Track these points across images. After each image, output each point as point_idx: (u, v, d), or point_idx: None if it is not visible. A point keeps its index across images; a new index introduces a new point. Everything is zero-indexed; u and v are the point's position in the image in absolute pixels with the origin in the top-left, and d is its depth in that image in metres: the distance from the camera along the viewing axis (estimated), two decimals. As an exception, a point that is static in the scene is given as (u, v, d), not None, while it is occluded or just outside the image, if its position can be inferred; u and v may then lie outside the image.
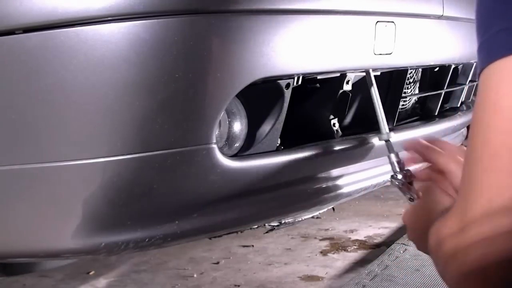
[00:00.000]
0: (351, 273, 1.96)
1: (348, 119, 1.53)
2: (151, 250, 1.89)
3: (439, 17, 1.46)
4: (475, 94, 2.22)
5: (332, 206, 2.07)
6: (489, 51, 0.59)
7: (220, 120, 1.04)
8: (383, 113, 1.28)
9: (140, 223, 1.03)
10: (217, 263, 2.09)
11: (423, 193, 0.90)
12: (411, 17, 1.37)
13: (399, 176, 1.07)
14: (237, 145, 1.16)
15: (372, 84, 1.28)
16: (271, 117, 1.19)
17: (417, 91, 1.82)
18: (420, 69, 1.79)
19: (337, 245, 2.26)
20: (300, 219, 1.69)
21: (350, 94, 1.37)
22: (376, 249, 2.21)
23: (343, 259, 2.10)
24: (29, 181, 1.00)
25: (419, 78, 1.81)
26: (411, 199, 1.03)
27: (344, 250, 2.21)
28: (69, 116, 0.96)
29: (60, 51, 0.94)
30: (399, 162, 1.11)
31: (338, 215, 2.65)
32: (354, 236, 2.37)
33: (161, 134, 0.98)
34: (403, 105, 1.75)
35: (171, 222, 1.05)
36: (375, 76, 1.49)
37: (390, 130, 1.51)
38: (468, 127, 2.15)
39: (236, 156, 1.13)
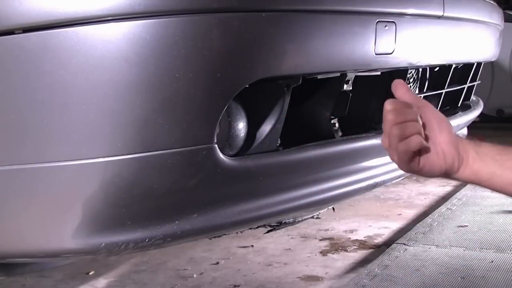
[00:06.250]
0: (351, 273, 1.96)
1: (348, 119, 1.53)
2: (151, 250, 1.89)
3: (440, 17, 1.46)
4: (475, 94, 2.22)
5: (332, 206, 2.07)
6: None
7: (220, 120, 1.04)
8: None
9: (140, 223, 1.03)
10: (217, 263, 2.09)
11: None
12: (411, 17, 1.37)
13: None
14: (237, 145, 1.16)
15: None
16: (271, 117, 1.19)
17: (417, 91, 1.82)
18: (420, 69, 1.79)
19: (337, 245, 2.26)
20: (300, 219, 1.69)
21: (350, 94, 1.37)
22: (376, 249, 2.21)
23: (343, 259, 2.10)
24: (29, 181, 1.00)
25: (419, 78, 1.81)
26: None
27: (344, 250, 2.21)
28: (69, 116, 0.96)
29: (59, 51, 0.94)
30: None
31: (338, 215, 2.65)
32: (354, 236, 2.37)
33: (161, 134, 0.98)
34: (403, 105, 1.75)
35: (171, 222, 1.05)
36: (375, 76, 1.49)
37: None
38: (468, 127, 2.15)
39: (236, 156, 1.13)
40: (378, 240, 2.32)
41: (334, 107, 1.37)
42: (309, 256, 2.14)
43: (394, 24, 1.29)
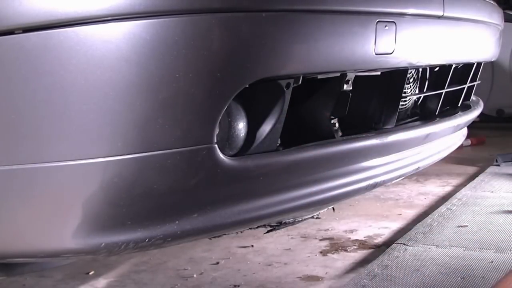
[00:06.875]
0: (351, 273, 1.96)
1: (348, 119, 1.53)
2: (151, 250, 1.89)
3: (440, 17, 1.46)
4: (475, 94, 2.22)
5: (332, 206, 2.07)
6: None
7: (220, 120, 1.04)
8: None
9: (140, 223, 1.03)
10: (217, 263, 2.09)
11: None
12: (411, 17, 1.37)
13: None
14: (237, 145, 1.16)
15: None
16: (271, 117, 1.19)
17: (417, 91, 1.82)
18: (420, 69, 1.79)
19: (337, 245, 2.26)
20: (300, 219, 1.69)
21: (350, 94, 1.37)
22: (376, 249, 2.21)
23: (343, 259, 2.10)
24: (29, 181, 1.00)
25: (419, 77, 1.81)
26: None
27: (344, 250, 2.21)
28: (69, 116, 0.96)
29: (59, 51, 0.94)
30: None
31: (338, 215, 2.65)
32: (354, 236, 2.37)
33: (161, 134, 0.98)
34: (403, 105, 1.75)
35: (171, 222, 1.05)
36: (375, 76, 1.49)
37: (390, 130, 1.51)
38: (468, 127, 2.16)
39: (236, 156, 1.13)
40: (378, 240, 2.32)
41: (334, 107, 1.37)
42: (309, 256, 2.14)
43: (394, 24, 1.29)
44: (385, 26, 1.26)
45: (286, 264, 2.07)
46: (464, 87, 2.01)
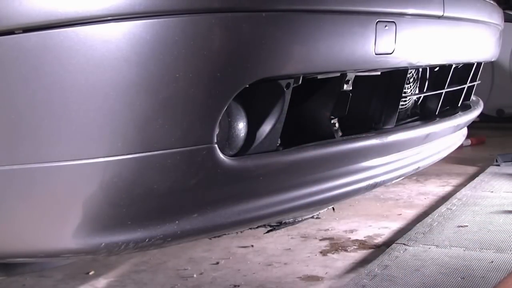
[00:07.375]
0: (351, 273, 1.96)
1: (348, 119, 1.53)
2: (151, 250, 1.89)
3: (440, 17, 1.46)
4: (475, 94, 2.22)
5: (332, 206, 2.07)
6: None
7: (220, 120, 1.04)
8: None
9: (140, 223, 1.03)
10: (217, 263, 2.09)
11: None
12: (411, 17, 1.37)
13: None
14: (237, 145, 1.16)
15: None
16: (271, 117, 1.19)
17: (417, 91, 1.82)
18: (420, 69, 1.79)
19: (337, 245, 2.26)
20: (300, 219, 1.69)
21: (350, 94, 1.37)
22: (376, 249, 2.21)
23: (343, 259, 2.10)
24: (29, 181, 1.00)
25: (419, 77, 1.81)
26: None
27: (344, 250, 2.21)
28: (69, 116, 0.96)
29: (59, 51, 0.94)
30: None
31: (338, 215, 2.65)
32: (354, 236, 2.37)
33: (161, 134, 0.98)
34: (403, 105, 1.75)
35: (171, 222, 1.05)
36: (375, 75, 1.49)
37: (390, 130, 1.51)
38: (468, 127, 2.16)
39: (236, 156, 1.13)
40: (378, 240, 2.32)
41: (334, 107, 1.37)
42: (309, 256, 2.14)
43: (394, 24, 1.29)
44: (385, 26, 1.26)
45: (286, 264, 2.07)
46: (464, 87, 2.01)
